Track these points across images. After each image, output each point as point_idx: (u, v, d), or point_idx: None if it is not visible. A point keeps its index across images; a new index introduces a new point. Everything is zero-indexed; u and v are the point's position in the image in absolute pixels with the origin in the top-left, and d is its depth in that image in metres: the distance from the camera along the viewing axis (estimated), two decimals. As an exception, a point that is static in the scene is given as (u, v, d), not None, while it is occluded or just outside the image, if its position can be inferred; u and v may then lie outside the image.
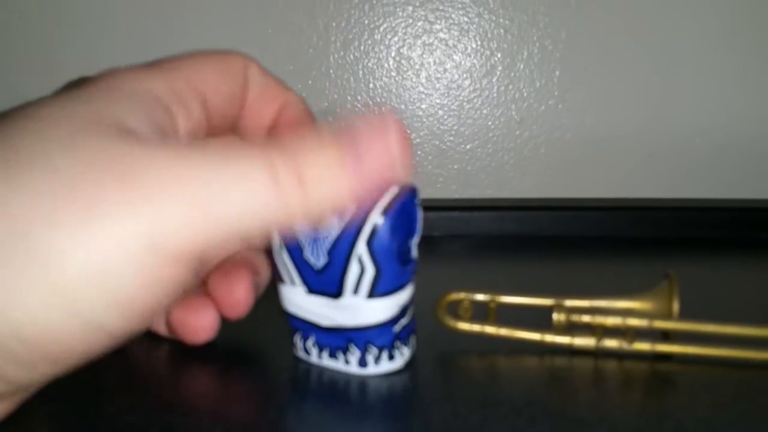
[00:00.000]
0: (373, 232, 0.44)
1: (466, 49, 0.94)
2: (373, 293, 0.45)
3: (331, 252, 0.45)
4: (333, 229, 0.45)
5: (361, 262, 0.44)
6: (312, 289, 0.47)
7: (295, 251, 0.46)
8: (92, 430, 0.41)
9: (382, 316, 0.46)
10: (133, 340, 0.53)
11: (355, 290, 0.45)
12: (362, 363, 0.47)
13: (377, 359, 0.47)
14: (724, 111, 0.95)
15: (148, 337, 0.55)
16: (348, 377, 0.48)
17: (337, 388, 0.46)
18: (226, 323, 0.58)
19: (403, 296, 0.47)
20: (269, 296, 0.61)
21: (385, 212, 0.44)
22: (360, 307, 0.46)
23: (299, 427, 0.42)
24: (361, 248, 0.44)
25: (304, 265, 0.46)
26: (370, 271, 0.45)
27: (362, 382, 0.47)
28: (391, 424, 0.42)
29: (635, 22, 0.93)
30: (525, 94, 0.95)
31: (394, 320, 0.47)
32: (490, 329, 0.52)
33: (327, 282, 0.46)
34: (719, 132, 0.95)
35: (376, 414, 0.43)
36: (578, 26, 0.94)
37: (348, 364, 0.48)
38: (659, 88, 0.95)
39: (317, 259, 0.45)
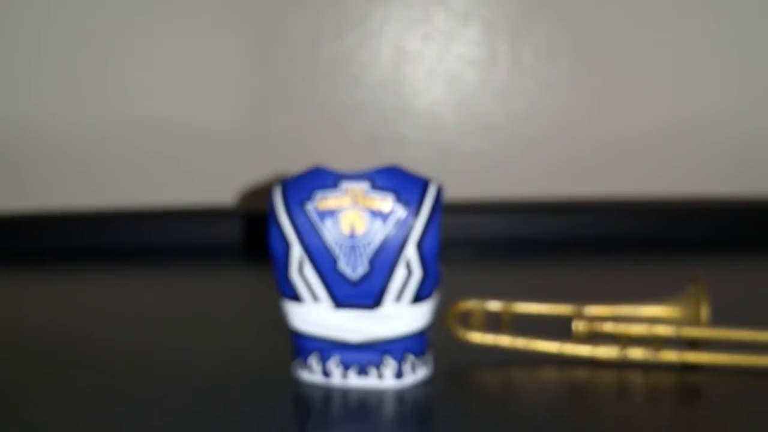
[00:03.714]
0: (423, 234, 0.46)
1: (468, 39, 0.94)
2: (416, 298, 0.47)
3: (373, 259, 0.46)
4: (375, 235, 0.46)
5: (409, 266, 0.46)
6: (341, 304, 0.47)
7: (325, 265, 0.46)
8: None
9: (422, 322, 0.48)
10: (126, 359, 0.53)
11: (398, 297, 0.47)
12: (398, 374, 0.48)
13: (414, 368, 0.48)
14: (742, 106, 0.95)
15: (139, 355, 0.54)
16: (354, 394, 0.47)
17: (342, 406, 0.46)
18: (217, 345, 0.57)
19: (436, 299, 0.49)
20: (258, 316, 0.61)
21: (432, 212, 0.46)
22: (401, 315, 0.47)
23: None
24: (410, 252, 0.46)
25: (336, 277, 0.46)
26: (416, 275, 0.46)
27: (369, 398, 0.47)
28: (404, 445, 0.42)
29: (649, 13, 0.94)
30: (532, 87, 0.95)
31: (428, 325, 0.49)
32: (504, 340, 0.52)
33: (364, 293, 0.47)
34: (742, 126, 0.95)
35: (386, 435, 0.43)
36: (590, 10, 0.94)
37: (381, 379, 0.48)
38: (674, 81, 0.95)
39: (354, 270, 0.46)
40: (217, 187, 0.95)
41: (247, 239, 0.88)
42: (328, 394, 0.48)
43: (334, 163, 0.95)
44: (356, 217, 0.46)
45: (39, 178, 0.94)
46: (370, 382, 0.48)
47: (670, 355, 0.51)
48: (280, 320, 0.50)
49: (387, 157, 0.95)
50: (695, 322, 0.52)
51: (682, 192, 0.95)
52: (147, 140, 0.94)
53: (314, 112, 0.95)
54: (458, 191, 0.96)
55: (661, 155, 0.96)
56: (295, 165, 0.94)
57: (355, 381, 0.48)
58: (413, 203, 0.46)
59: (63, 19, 0.92)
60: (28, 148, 0.93)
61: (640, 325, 0.50)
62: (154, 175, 0.94)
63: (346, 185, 0.46)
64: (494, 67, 0.95)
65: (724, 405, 0.46)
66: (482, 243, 0.86)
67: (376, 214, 0.46)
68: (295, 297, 0.47)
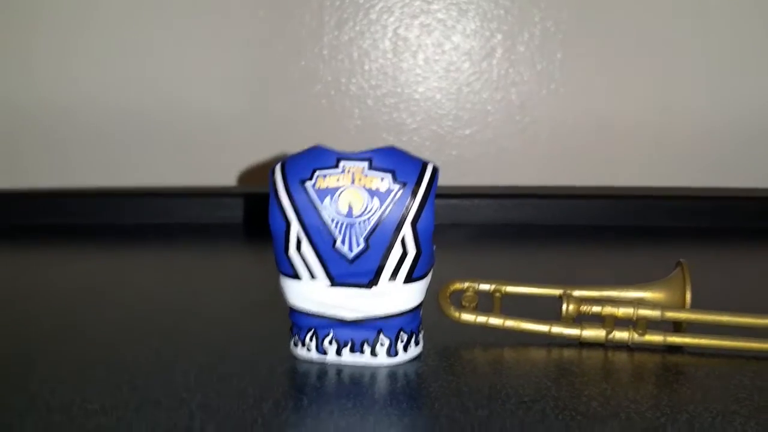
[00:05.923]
0: (419, 213, 0.45)
1: (465, 30, 0.93)
2: (410, 277, 0.46)
3: (369, 238, 0.45)
4: (373, 213, 0.45)
5: (404, 244, 0.45)
6: (337, 282, 0.46)
7: (323, 243, 0.45)
8: (78, 428, 0.40)
9: (416, 301, 0.47)
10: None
11: (393, 275, 0.46)
12: (391, 352, 0.47)
13: (406, 346, 0.48)
14: (736, 98, 0.94)
15: (140, 330, 0.54)
16: (348, 370, 0.47)
17: (337, 383, 0.46)
18: (216, 321, 0.57)
19: (429, 279, 0.48)
20: (256, 294, 0.60)
21: (428, 192, 0.45)
22: (395, 293, 0.46)
23: (297, 421, 0.41)
24: (406, 230, 0.45)
25: (333, 256, 0.45)
26: (411, 254, 0.45)
27: (363, 375, 0.46)
28: (397, 419, 0.41)
29: (642, 2, 0.93)
30: (526, 78, 0.94)
31: (421, 304, 0.48)
32: (495, 320, 0.52)
33: (359, 271, 0.46)
34: (729, 119, 0.94)
35: (379, 409, 0.42)
36: (581, 6, 0.93)
37: (375, 356, 0.47)
38: (666, 71, 0.94)
39: (351, 248, 0.45)
40: (220, 168, 0.94)
41: (248, 218, 0.87)
42: (322, 370, 0.47)
43: (334, 147, 0.94)
44: (354, 196, 0.45)
45: (48, 159, 0.93)
46: (363, 359, 0.47)
47: (654, 337, 0.50)
48: (278, 297, 0.49)
49: (385, 143, 0.94)
50: (679, 305, 0.51)
51: (669, 181, 0.95)
52: (153, 124, 0.93)
53: (316, 98, 0.94)
54: (453, 176, 0.95)
55: (647, 146, 0.95)
56: (297, 149, 0.93)
57: (349, 358, 0.48)
58: (410, 183, 0.45)
59: (83, 17, 0.91)
60: (28, 129, 0.93)
61: (626, 308, 0.50)
62: (161, 157, 0.94)
63: (345, 164, 0.45)
64: (490, 56, 0.94)
65: (707, 384, 0.46)
66: (475, 227, 0.86)
67: (373, 193, 0.45)
68: (293, 274, 0.47)
